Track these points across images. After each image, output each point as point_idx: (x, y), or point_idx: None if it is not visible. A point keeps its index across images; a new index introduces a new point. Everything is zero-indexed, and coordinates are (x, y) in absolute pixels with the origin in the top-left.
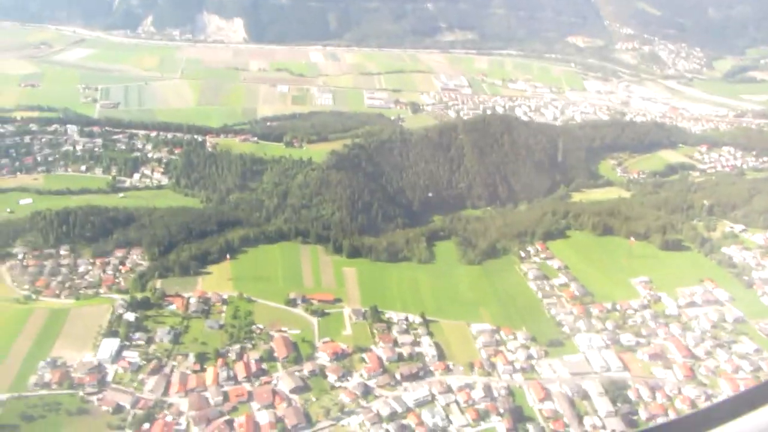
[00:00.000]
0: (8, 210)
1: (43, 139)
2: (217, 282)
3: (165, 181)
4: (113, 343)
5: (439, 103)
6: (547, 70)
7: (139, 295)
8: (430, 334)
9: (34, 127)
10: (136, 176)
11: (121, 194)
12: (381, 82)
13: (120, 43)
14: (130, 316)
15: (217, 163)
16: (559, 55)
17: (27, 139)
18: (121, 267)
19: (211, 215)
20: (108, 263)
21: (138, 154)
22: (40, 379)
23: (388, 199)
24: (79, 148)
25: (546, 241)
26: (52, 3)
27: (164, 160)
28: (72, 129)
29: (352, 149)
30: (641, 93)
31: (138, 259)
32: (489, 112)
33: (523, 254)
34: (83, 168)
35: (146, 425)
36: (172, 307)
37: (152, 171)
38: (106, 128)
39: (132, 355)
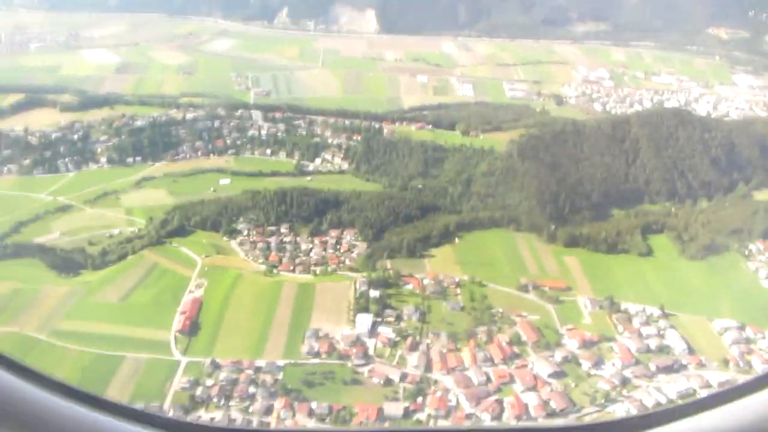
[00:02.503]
0: (212, 189)
1: (231, 123)
2: (443, 265)
3: (345, 166)
4: (368, 319)
5: (582, 96)
6: (689, 62)
7: (374, 275)
8: (673, 327)
9: (221, 112)
10: (318, 161)
11: (309, 177)
12: (518, 73)
13: (259, 34)
14: (375, 294)
15: (397, 149)
16: (701, 47)
17: (216, 123)
18: (338, 246)
19: (411, 200)
20: (326, 242)
21: (318, 139)
22: (311, 348)
23: (569, 190)
24: (263, 132)
25: (765, 239)
26: None
27: (343, 146)
28: (257, 114)
29: (528, 139)
30: None
31: (352, 239)
32: (637, 105)
33: (746, 252)
34: (268, 152)
35: (419, 399)
36: (409, 287)
37: (332, 156)
38: (288, 114)
39: (386, 331)
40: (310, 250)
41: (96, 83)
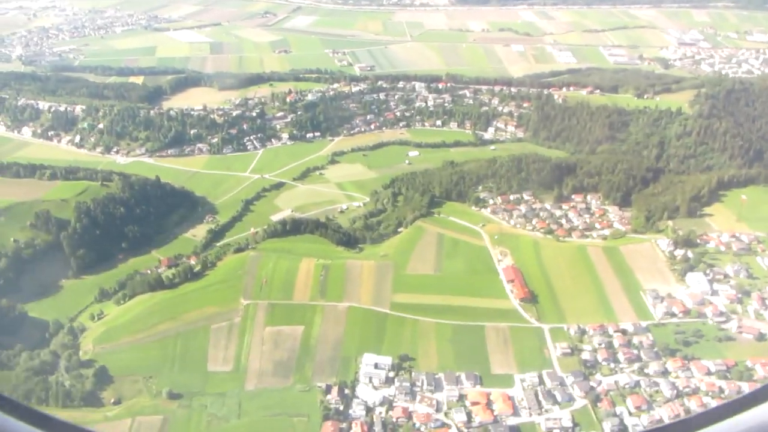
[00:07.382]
0: (406, 162)
1: (396, 96)
2: (727, 222)
3: (520, 134)
4: (701, 278)
5: (685, 58)
6: None
7: (671, 235)
8: None
9: (384, 84)
10: (491, 129)
11: (492, 146)
12: (609, 38)
13: (333, 9)
14: (689, 254)
15: (575, 114)
16: None
17: (382, 96)
18: (590, 210)
19: (639, 163)
20: (575, 207)
21: (486, 108)
22: (668, 308)
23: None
24: (430, 104)
25: None
26: None
27: (515, 114)
28: (420, 86)
29: (707, 99)
30: None
31: (599, 204)
32: (745, 65)
33: None
34: (438, 123)
35: None
36: (710, 245)
37: (505, 124)
38: (451, 84)
39: (724, 288)
40: (565, 215)
41: (200, 63)
